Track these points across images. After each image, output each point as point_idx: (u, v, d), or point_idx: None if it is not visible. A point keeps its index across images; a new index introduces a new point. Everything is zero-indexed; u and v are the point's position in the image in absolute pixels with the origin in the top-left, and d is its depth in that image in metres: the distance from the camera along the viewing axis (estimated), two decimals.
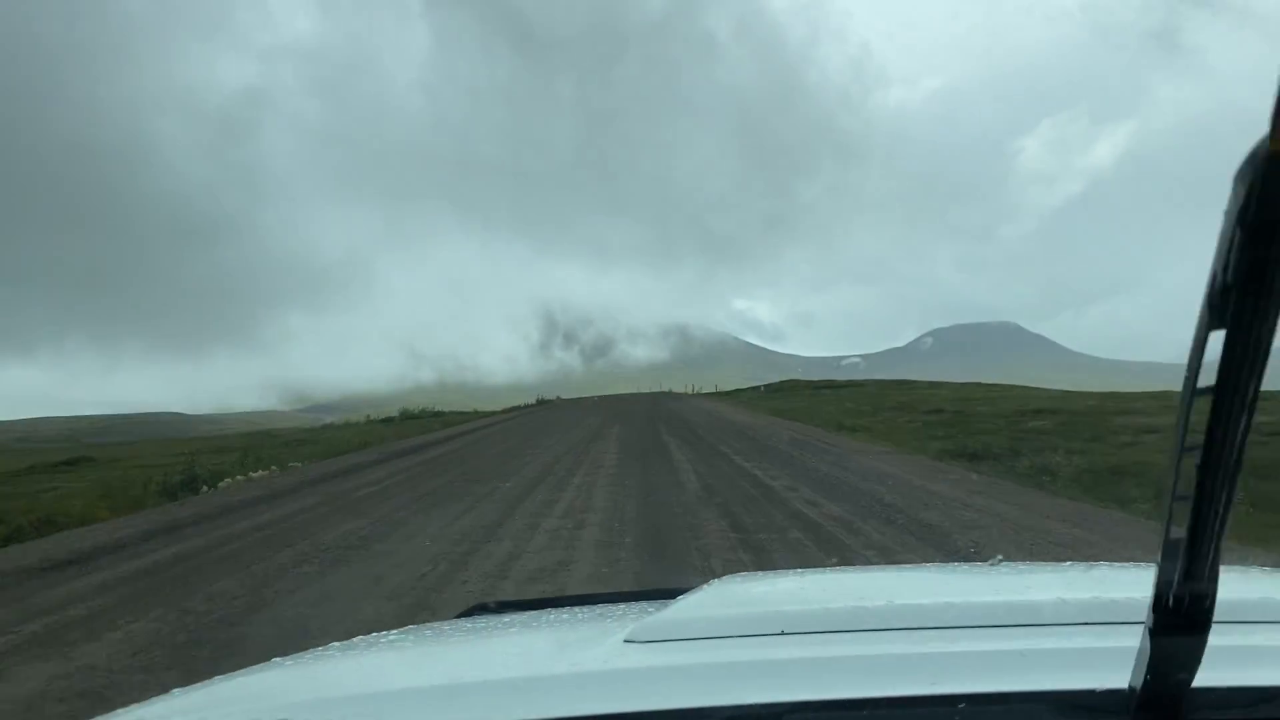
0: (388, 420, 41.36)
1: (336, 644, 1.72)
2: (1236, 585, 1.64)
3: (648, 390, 78.83)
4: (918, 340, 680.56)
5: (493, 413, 46.98)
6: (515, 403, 59.15)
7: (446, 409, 49.21)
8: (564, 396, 67.99)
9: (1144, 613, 1.28)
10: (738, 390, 57.26)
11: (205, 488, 16.16)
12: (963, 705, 1.06)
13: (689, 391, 64.99)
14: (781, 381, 57.74)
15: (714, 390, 62.25)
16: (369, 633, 1.79)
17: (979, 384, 39.21)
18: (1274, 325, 0.76)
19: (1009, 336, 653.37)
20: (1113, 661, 1.14)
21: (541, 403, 58.12)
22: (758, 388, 55.50)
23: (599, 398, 60.19)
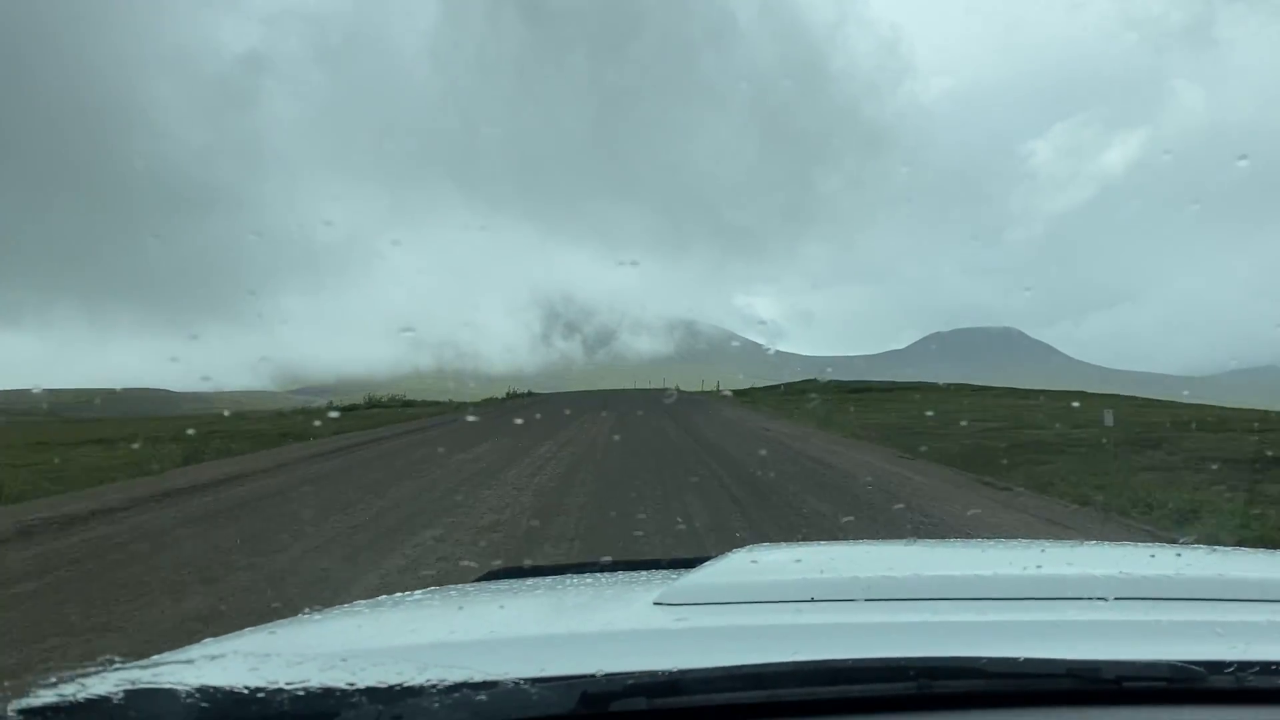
0: (350, 409, 38.74)
1: (363, 601, 1.77)
2: (1268, 564, 1.83)
3: (649, 385, 71.33)
4: (918, 344, 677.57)
5: (462, 405, 42.45)
6: (495, 395, 52.95)
7: (422, 398, 45.89)
8: (550, 391, 62.37)
9: (1166, 588, 1.45)
10: (751, 389, 51.85)
11: None
12: (991, 673, 1.10)
13: (713, 391, 52.26)
14: (803, 382, 50.93)
15: (749, 389, 50.52)
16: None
17: (1083, 393, 32.88)
18: None
19: (1011, 342, 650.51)
20: (1139, 634, 1.25)
21: (512, 397, 50.11)
22: (780, 388, 47.82)
23: (586, 396, 47.63)
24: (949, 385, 42.34)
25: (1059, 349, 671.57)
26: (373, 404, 41.81)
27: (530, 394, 54.37)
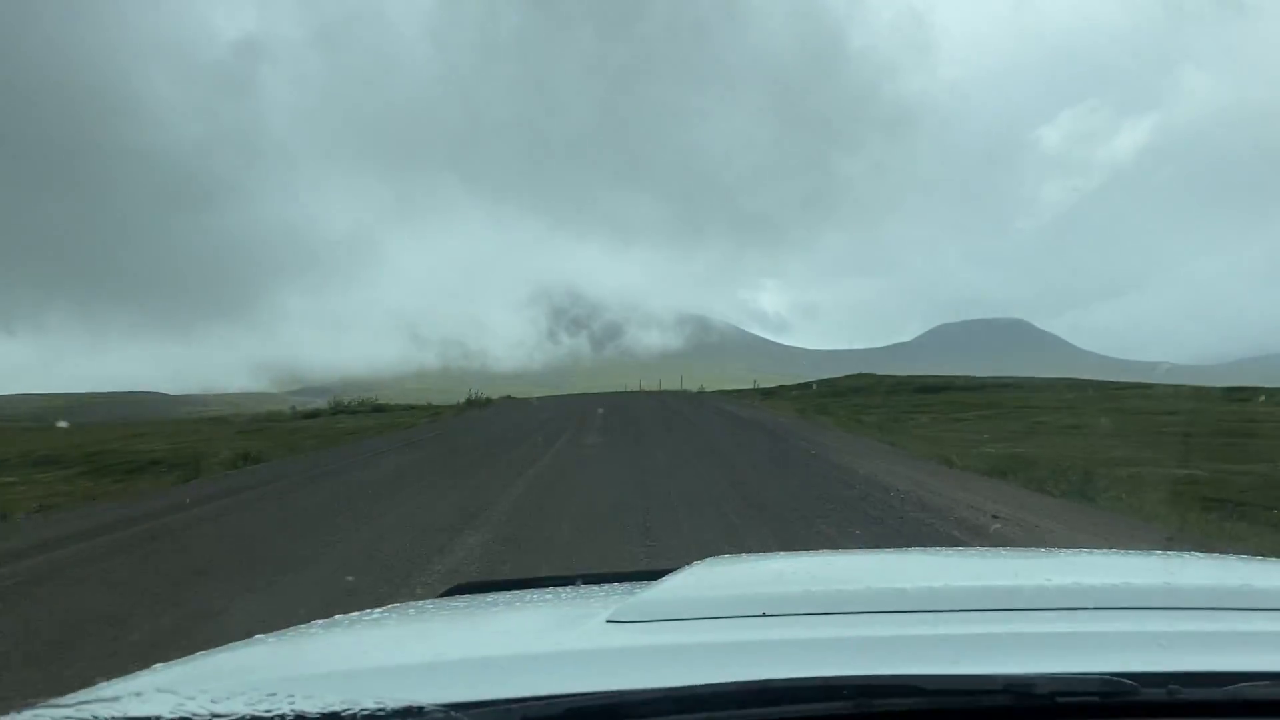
0: (312, 415, 35.40)
1: (319, 621, 1.74)
2: (1217, 572, 1.84)
3: (661, 385, 57.64)
4: (925, 335, 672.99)
5: (438, 409, 36.65)
6: (487, 395, 45.12)
7: (406, 401, 41.53)
8: (545, 392, 54.99)
9: (1127, 598, 1.45)
10: (780, 387, 46.27)
11: None
12: (928, 691, 1.11)
13: (767, 391, 40.41)
14: (847, 378, 42.71)
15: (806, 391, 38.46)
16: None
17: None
18: None
19: (1018, 333, 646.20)
20: (1095, 645, 1.26)
21: (471, 404, 40.19)
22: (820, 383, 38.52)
23: (565, 408, 33.90)
24: (1045, 380, 34.34)
25: (1067, 339, 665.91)
26: (338, 409, 37.55)
27: (489, 401, 41.97)
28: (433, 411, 36.17)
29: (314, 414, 36.26)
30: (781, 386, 46.99)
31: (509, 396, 47.35)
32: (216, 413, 54.59)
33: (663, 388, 55.90)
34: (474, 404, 40.33)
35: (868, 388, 36.03)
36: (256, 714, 1.06)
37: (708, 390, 49.25)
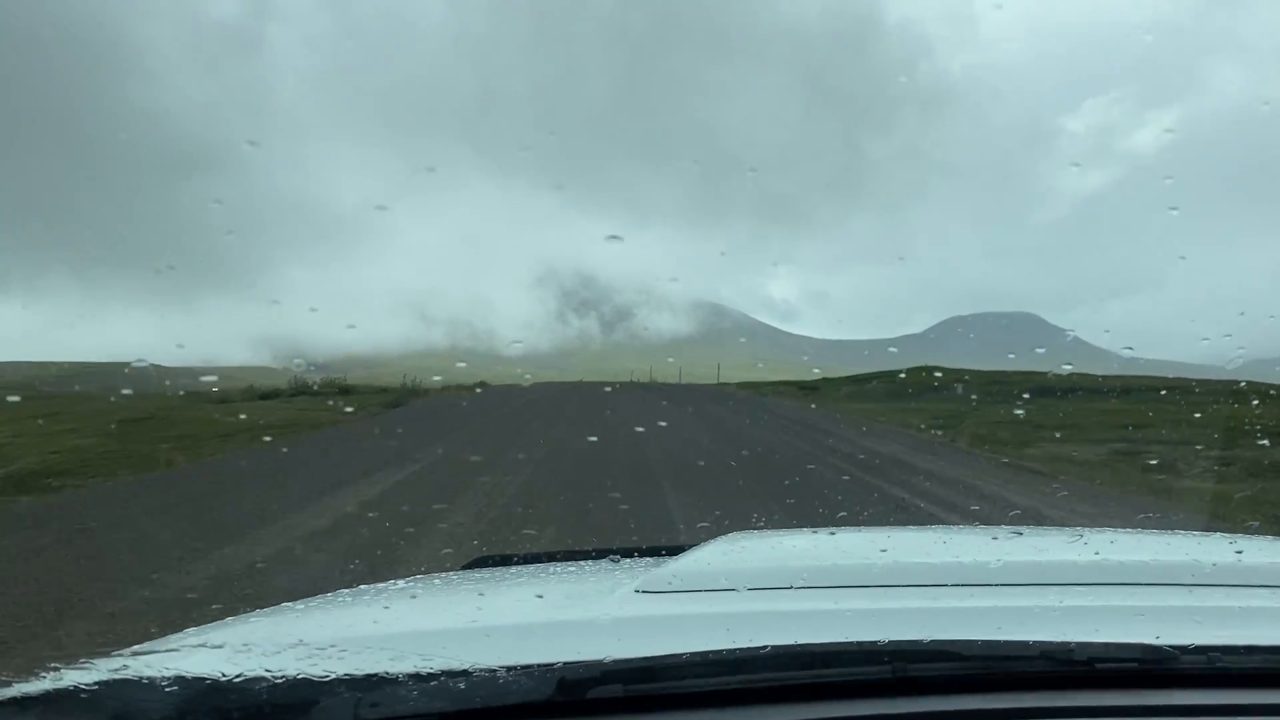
0: (267, 396, 30.58)
1: (346, 590, 1.76)
2: (1246, 551, 1.85)
3: (680, 377, 48.27)
4: (935, 328, 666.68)
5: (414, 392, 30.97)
6: (463, 383, 39.55)
7: (384, 384, 36.55)
8: (539, 378, 47.22)
9: (1158, 574, 1.49)
10: (825, 380, 40.06)
11: None
12: (965, 656, 1.12)
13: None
14: (910, 372, 35.53)
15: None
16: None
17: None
18: None
19: (1029, 328, 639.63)
20: (1130, 617, 1.29)
21: (412, 390, 32.23)
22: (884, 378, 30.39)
23: (552, 401, 26.83)
24: (1187, 381, 24.93)
25: (1078, 335, 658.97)
26: (299, 390, 32.39)
27: (420, 393, 32.84)
28: (382, 395, 30.79)
29: (274, 393, 31.38)
30: (826, 380, 41.15)
31: (484, 383, 40.09)
32: (201, 388, 50.47)
33: (683, 379, 49.40)
34: (415, 393, 32.14)
35: (944, 385, 27.97)
36: (304, 672, 1.06)
37: (765, 384, 40.05)
